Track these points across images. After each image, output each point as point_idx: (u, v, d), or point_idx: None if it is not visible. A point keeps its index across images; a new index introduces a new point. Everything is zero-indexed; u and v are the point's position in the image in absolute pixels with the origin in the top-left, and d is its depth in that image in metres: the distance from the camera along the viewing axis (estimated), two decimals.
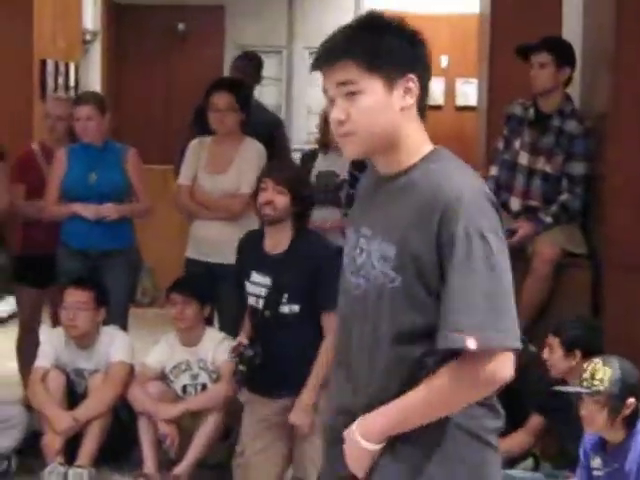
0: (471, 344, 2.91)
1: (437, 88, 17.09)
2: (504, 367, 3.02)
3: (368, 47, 3.08)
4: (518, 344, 3.00)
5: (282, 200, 6.13)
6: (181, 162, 8.14)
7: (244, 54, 10.24)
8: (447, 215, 2.97)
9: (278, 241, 6.28)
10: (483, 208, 3.05)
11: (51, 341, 7.09)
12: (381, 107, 3.11)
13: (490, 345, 2.96)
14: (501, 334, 2.98)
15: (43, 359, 6.98)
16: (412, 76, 3.12)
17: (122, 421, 6.87)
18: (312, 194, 6.65)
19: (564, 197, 7.23)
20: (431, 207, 2.99)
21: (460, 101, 16.75)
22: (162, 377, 6.92)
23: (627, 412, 5.11)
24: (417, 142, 3.17)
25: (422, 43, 3.18)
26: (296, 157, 9.10)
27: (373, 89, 3.09)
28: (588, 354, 5.68)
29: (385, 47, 3.09)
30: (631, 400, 5.10)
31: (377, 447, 3.06)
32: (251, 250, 6.44)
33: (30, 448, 6.89)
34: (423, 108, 3.20)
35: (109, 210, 7.44)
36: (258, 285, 6.23)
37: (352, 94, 3.07)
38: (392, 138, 3.13)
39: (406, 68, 3.11)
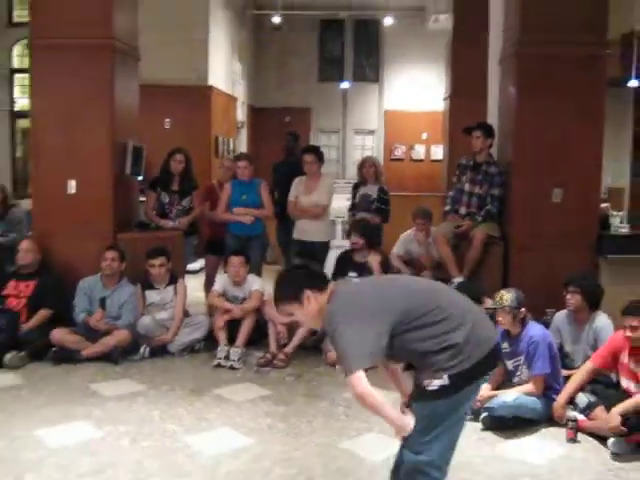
0: (343, 373, 2.98)
1: (421, 150, 17.00)
2: (355, 384, 2.93)
3: (281, 294, 3.21)
4: (354, 370, 2.92)
5: (360, 241, 6.86)
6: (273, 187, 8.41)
7: (290, 132, 9.91)
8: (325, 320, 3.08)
9: (362, 257, 6.85)
10: (337, 314, 3.03)
11: (221, 281, 6.92)
12: (302, 311, 3.16)
13: (346, 374, 2.95)
14: (348, 367, 2.93)
15: (216, 286, 6.86)
16: (308, 292, 3.13)
17: (260, 323, 6.73)
18: (377, 235, 7.31)
19: (488, 207, 7.10)
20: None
21: (434, 157, 16.55)
22: None
23: (521, 316, 5.08)
24: (325, 302, 3.15)
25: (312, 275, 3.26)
26: (349, 186, 8.96)
27: (296, 308, 3.16)
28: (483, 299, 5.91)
29: (285, 294, 3.19)
30: (522, 310, 5.07)
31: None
32: (347, 261, 6.95)
33: (209, 338, 6.79)
34: (325, 286, 3.20)
35: (251, 213, 7.41)
36: (351, 278, 6.68)
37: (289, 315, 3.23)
38: (317, 311, 3.15)
39: (301, 292, 3.14)
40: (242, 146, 15.19)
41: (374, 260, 6.84)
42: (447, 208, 7.42)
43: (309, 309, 3.16)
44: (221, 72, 12.89)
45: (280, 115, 16.75)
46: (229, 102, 13.62)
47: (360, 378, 2.91)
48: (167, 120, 11.49)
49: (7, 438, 4.68)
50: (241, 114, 15.26)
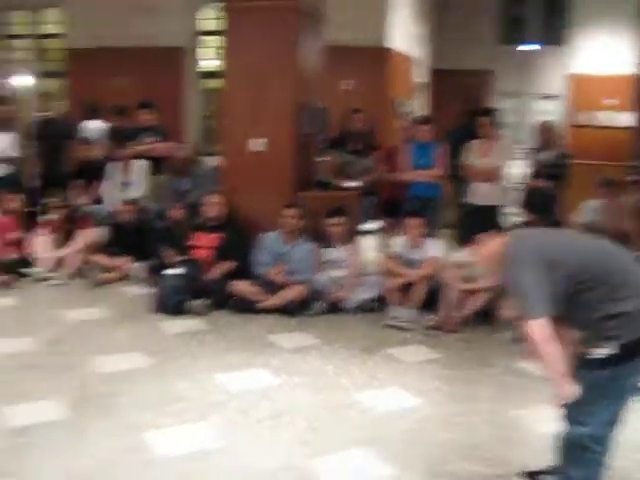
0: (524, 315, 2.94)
1: (606, 116, 16.18)
2: (533, 328, 2.90)
3: (462, 239, 3.44)
4: (537, 315, 2.90)
5: (532, 217, 6.65)
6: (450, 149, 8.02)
7: (469, 94, 10.16)
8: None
9: None
10: (512, 253, 3.02)
11: (398, 243, 6.84)
12: (480, 253, 3.27)
13: (529, 317, 2.91)
14: (531, 310, 2.90)
15: (393, 248, 6.83)
16: (484, 236, 3.25)
17: (433, 287, 6.59)
18: (551, 203, 7.23)
19: None
20: None
21: (620, 124, 15.69)
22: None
23: None
24: (502, 246, 3.16)
25: None
26: (527, 151, 8.72)
27: (474, 252, 3.32)
28: None
29: (466, 239, 3.50)
30: None
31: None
32: None
33: (381, 298, 6.75)
34: (501, 232, 3.28)
35: (418, 174, 7.52)
36: None
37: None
38: (494, 255, 3.17)
39: (477, 236, 3.27)
40: (421, 108, 15.06)
41: None
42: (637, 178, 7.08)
43: (487, 250, 3.18)
44: (400, 34, 12.79)
45: (461, 77, 16.41)
46: (408, 64, 13.51)
47: (543, 324, 2.87)
48: (346, 81, 11.56)
49: (190, 379, 5.00)
50: (420, 76, 15.11)
